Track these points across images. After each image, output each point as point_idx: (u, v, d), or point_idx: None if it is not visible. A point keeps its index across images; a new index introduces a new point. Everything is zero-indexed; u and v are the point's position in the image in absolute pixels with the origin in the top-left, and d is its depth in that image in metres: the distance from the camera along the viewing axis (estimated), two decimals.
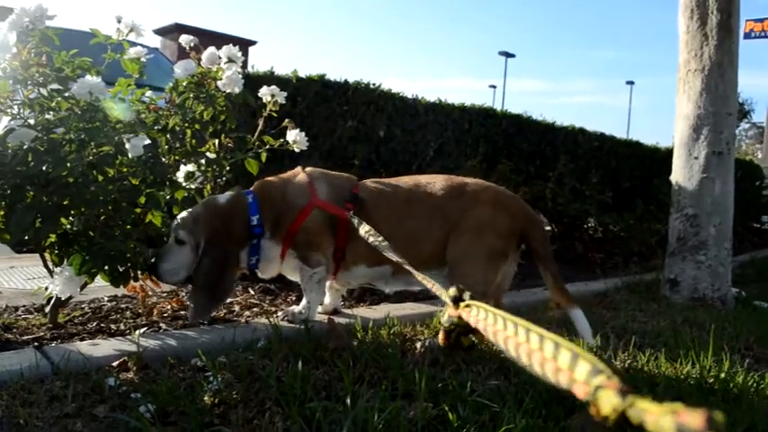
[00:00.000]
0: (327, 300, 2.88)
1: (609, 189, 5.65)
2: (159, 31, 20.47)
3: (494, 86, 48.25)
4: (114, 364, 1.94)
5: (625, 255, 5.39)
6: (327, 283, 2.79)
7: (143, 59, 2.68)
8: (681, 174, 4.13)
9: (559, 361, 0.63)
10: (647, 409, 0.51)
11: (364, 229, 2.09)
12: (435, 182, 2.73)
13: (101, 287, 3.15)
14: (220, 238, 2.46)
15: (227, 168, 3.69)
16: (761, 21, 19.02)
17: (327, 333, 2.35)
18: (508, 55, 44.33)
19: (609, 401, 0.54)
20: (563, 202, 4.98)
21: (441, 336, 1.00)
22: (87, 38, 2.54)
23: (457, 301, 0.97)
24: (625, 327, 3.05)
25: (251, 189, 2.70)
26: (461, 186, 2.71)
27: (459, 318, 0.93)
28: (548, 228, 5.26)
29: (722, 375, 2.24)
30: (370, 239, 2.01)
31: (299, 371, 1.79)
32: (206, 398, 1.69)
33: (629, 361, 2.42)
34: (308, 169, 2.79)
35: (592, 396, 0.57)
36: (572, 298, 2.59)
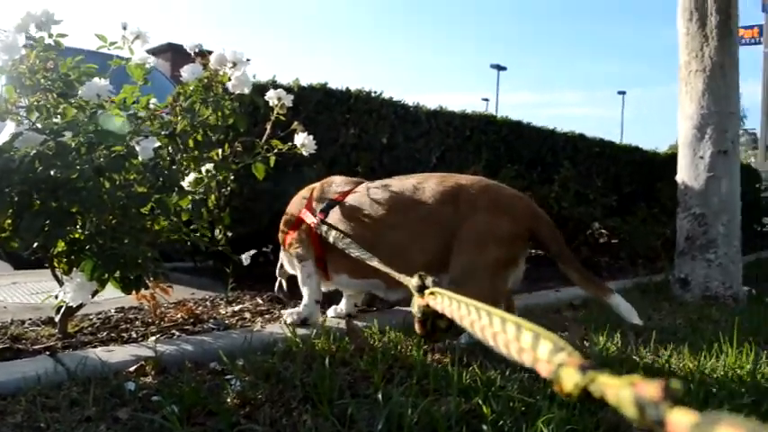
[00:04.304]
0: (342, 305, 2.87)
1: (612, 193, 5.64)
2: (151, 52, 20.51)
3: (486, 99, 48.31)
4: (131, 369, 1.88)
5: (631, 257, 5.36)
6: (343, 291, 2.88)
7: (147, 66, 2.66)
8: (687, 173, 4.12)
9: (522, 341, 0.65)
10: (606, 384, 0.52)
11: (332, 235, 2.31)
12: (425, 186, 2.53)
13: (106, 300, 3.11)
14: None
15: (232, 177, 3.66)
16: (751, 28, 19.21)
17: (347, 334, 2.30)
18: (500, 68, 44.59)
19: (571, 378, 0.56)
20: (567, 206, 4.96)
21: (417, 326, 1.01)
22: (91, 58, 2.51)
23: (421, 289, 0.99)
24: (641, 326, 3.01)
25: None
26: (455, 190, 2.48)
27: (427, 306, 0.96)
28: None
29: (748, 367, 2.21)
30: (339, 244, 2.21)
31: (327, 369, 1.74)
32: (229, 399, 1.64)
33: (651, 356, 2.38)
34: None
35: (554, 374, 0.58)
36: (605, 286, 2.42)
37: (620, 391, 0.49)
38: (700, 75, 4.10)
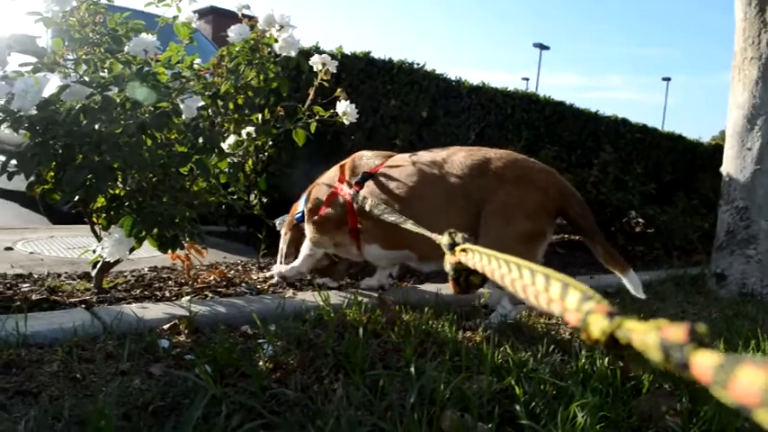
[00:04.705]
0: (375, 277, 2.86)
1: (651, 181, 5.52)
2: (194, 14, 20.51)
3: (526, 79, 47.60)
4: (165, 326, 1.90)
5: (666, 248, 5.26)
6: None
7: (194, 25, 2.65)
8: (732, 165, 4.00)
9: (551, 292, 0.65)
10: (633, 329, 0.52)
11: (368, 203, 2.29)
12: (454, 159, 2.54)
13: (139, 258, 3.15)
14: None
15: (270, 143, 3.65)
16: None
17: (378, 306, 2.29)
18: (543, 47, 43.79)
19: (598, 325, 0.56)
20: (606, 191, 4.87)
21: (451, 285, 1.00)
22: (136, 16, 2.51)
23: (452, 247, 0.99)
24: (675, 317, 2.95)
25: None
26: (484, 163, 2.49)
27: (459, 263, 0.96)
28: None
29: None
30: (374, 211, 2.17)
31: (359, 339, 1.74)
32: (262, 362, 1.64)
33: None
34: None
35: (582, 322, 0.58)
36: (624, 262, 2.41)
37: (646, 335, 0.49)
38: (755, 62, 3.96)
